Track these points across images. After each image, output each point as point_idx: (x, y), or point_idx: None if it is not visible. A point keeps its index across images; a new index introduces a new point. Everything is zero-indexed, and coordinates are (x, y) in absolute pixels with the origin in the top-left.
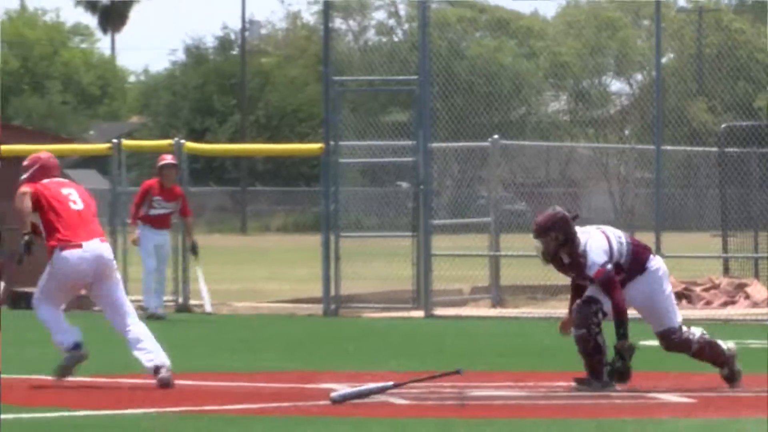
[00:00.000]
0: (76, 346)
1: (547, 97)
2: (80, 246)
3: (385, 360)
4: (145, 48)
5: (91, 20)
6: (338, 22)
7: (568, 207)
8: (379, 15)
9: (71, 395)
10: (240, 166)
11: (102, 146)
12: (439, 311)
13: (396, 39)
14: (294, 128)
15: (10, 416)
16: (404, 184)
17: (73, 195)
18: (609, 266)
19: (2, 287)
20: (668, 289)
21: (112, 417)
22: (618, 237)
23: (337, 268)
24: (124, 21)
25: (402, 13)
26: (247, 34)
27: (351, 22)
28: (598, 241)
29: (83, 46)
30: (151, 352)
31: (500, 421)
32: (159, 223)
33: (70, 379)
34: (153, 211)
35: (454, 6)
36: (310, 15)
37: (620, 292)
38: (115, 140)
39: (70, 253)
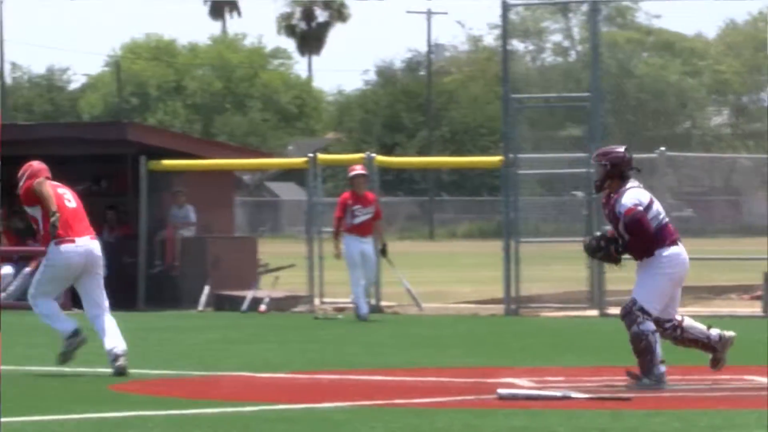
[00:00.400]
0: (75, 333)
1: (709, 112)
2: (73, 241)
3: (562, 356)
4: (340, 69)
5: (289, 44)
6: (517, 44)
7: (731, 214)
8: (555, 37)
9: (271, 390)
10: (427, 178)
11: (299, 160)
12: (612, 310)
13: (570, 59)
14: (476, 142)
15: (216, 410)
16: (579, 193)
17: (67, 194)
18: (640, 208)
19: (207, 291)
20: (665, 277)
21: (309, 410)
22: (661, 212)
23: (518, 271)
24: (320, 45)
25: (576, 36)
26: (432, 56)
27: (528, 44)
28: (638, 192)
29: (281, 68)
30: (114, 341)
31: (668, 411)
32: (363, 230)
33: (268, 375)
34: (356, 220)
35: (623, 29)
36: (492, 39)
37: (645, 235)
38: (311, 154)
39: (65, 248)
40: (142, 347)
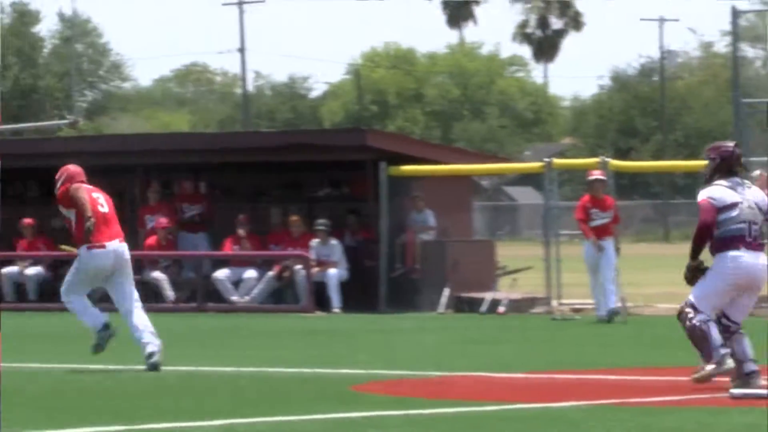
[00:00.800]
0: (105, 327)
1: None
2: (104, 246)
3: None
4: (575, 76)
5: (525, 51)
6: (747, 50)
7: None
8: None
9: (508, 390)
10: (662, 181)
11: (535, 165)
12: None
13: None
14: None
15: (453, 410)
16: None
17: (100, 199)
18: (712, 201)
19: (446, 293)
20: (719, 277)
21: (545, 409)
22: (743, 221)
23: None
24: (555, 52)
25: None
26: (665, 62)
27: (759, 50)
28: (719, 189)
29: (519, 74)
30: (147, 338)
31: None
32: (599, 232)
33: (505, 375)
34: (593, 223)
35: None
36: (723, 46)
37: (705, 221)
38: (547, 159)
39: (96, 252)
40: (383, 348)
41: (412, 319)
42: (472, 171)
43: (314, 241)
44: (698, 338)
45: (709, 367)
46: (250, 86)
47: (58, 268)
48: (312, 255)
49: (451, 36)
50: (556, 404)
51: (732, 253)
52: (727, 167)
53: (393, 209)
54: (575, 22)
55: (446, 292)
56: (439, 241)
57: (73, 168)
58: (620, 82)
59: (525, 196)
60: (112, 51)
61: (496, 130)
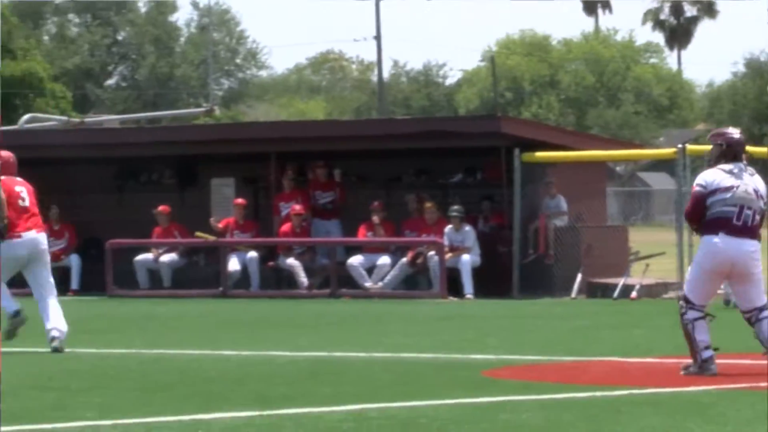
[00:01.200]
0: (16, 314)
1: None
2: (20, 236)
3: None
4: (709, 62)
5: (658, 38)
6: None
7: None
8: None
9: (640, 374)
10: None
11: (668, 151)
12: None
13: None
14: None
15: (585, 394)
16: None
17: (23, 193)
18: (700, 189)
19: (579, 279)
20: (697, 265)
21: (676, 394)
22: (733, 204)
23: None
24: (689, 38)
25: None
26: None
27: None
28: (713, 173)
29: (653, 61)
30: (53, 323)
31: None
32: None
33: (637, 359)
34: None
35: None
36: None
37: (687, 210)
38: (680, 145)
39: (12, 243)
40: (516, 334)
41: (544, 304)
42: (606, 157)
43: (448, 228)
44: (686, 336)
45: (692, 368)
46: (386, 74)
47: (192, 255)
48: (445, 241)
49: (586, 23)
50: (687, 388)
51: (712, 238)
52: (732, 153)
53: (526, 195)
54: (709, 9)
55: (579, 277)
56: (572, 226)
57: (6, 155)
58: (754, 68)
59: (659, 181)
60: (249, 39)
61: (630, 117)
